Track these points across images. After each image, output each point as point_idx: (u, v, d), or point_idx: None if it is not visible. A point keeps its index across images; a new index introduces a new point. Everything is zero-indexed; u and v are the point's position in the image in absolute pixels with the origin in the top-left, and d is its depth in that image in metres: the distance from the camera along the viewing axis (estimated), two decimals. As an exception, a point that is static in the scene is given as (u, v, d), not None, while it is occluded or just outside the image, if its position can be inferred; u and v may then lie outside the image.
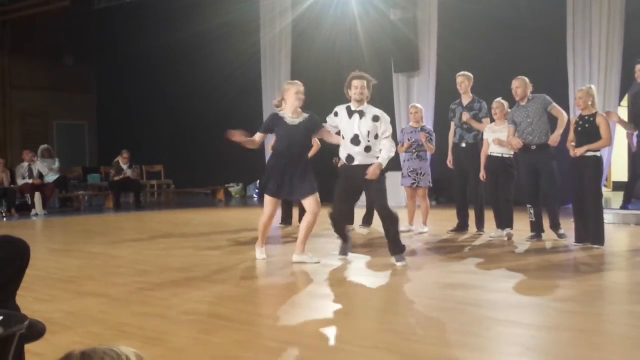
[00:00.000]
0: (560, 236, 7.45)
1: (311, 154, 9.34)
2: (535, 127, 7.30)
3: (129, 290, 5.16)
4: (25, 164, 12.57)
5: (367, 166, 6.03)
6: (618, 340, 3.77)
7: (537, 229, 7.48)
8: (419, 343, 3.66)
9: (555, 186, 7.45)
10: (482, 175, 7.86)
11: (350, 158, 6.14)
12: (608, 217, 8.14)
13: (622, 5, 10.82)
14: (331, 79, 12.09)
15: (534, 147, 7.32)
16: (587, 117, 6.89)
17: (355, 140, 6.08)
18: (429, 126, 9.70)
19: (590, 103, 6.88)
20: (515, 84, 7.42)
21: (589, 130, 6.82)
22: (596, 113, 6.89)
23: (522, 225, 7.81)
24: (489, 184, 7.86)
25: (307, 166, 6.32)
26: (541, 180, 7.38)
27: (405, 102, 12.96)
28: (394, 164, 10.94)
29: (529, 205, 7.46)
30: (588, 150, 6.80)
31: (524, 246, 7.18)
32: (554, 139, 7.29)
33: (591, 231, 6.89)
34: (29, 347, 2.67)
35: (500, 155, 7.69)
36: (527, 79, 7.42)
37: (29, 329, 2.23)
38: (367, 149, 6.07)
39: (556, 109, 7.38)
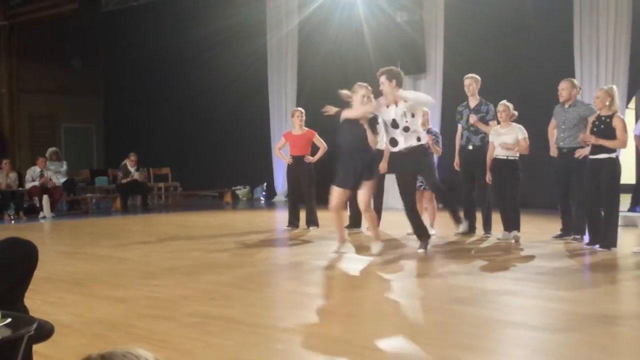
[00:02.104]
0: (575, 239, 7.43)
1: (318, 155, 9.45)
2: (568, 133, 7.32)
3: (136, 292, 5.18)
4: (38, 169, 12.59)
5: (406, 153, 6.74)
6: (626, 343, 3.76)
7: (567, 229, 7.60)
8: (425, 345, 3.66)
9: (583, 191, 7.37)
10: (488, 177, 7.85)
11: (393, 141, 6.83)
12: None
13: (629, 6, 10.77)
14: (337, 81, 12.06)
15: (565, 151, 7.36)
16: (603, 118, 6.79)
17: (394, 124, 6.77)
18: (436, 128, 9.67)
19: (607, 103, 6.76)
20: (562, 85, 7.43)
21: (603, 131, 6.73)
22: (614, 114, 6.77)
23: (528, 227, 7.79)
24: (495, 186, 7.85)
25: None
26: (571, 183, 7.39)
27: (411, 104, 12.94)
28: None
29: (559, 206, 7.67)
30: (600, 144, 6.70)
31: (531, 248, 7.16)
32: (582, 151, 7.16)
33: (603, 233, 6.86)
34: (36, 349, 2.68)
35: (505, 157, 7.66)
36: (575, 81, 7.40)
37: (37, 329, 2.25)
38: (406, 129, 6.73)
39: None
